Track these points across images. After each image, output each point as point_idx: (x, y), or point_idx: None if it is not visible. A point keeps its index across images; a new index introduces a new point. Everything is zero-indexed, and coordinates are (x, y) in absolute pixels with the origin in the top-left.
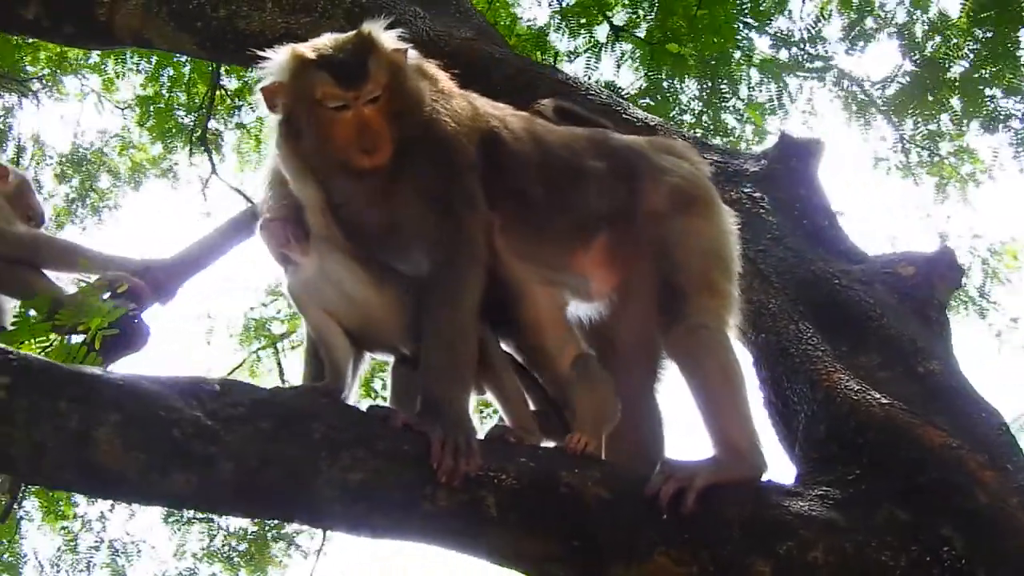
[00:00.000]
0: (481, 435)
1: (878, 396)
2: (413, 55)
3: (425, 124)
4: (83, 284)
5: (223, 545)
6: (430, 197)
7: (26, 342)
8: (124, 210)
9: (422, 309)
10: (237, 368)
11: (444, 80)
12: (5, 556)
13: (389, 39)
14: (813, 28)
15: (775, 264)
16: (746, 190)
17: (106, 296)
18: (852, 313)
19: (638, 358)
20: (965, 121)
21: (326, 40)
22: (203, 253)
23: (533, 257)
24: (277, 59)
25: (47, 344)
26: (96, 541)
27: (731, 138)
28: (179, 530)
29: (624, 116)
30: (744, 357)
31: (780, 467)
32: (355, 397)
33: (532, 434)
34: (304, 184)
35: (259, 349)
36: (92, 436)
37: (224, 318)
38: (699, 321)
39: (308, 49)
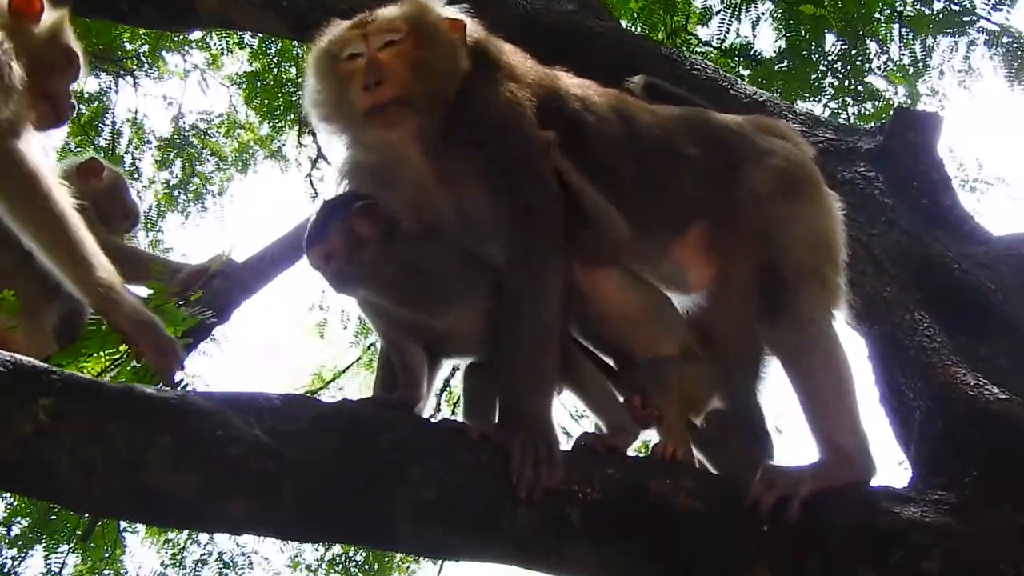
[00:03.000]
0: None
1: (996, 391)
2: (474, 29)
3: (471, 96)
4: (154, 291)
5: (340, 555)
6: (496, 183)
7: (96, 354)
8: (230, 196)
9: (500, 307)
10: (353, 364)
11: (514, 58)
12: (107, 572)
13: (438, 6)
14: None
15: (890, 248)
16: (860, 169)
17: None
18: (972, 299)
19: (738, 354)
20: None
21: None
22: (287, 250)
23: (623, 247)
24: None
25: (117, 356)
26: (204, 554)
27: (879, 102)
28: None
29: (731, 92)
30: (856, 350)
31: (895, 470)
32: (430, 407)
33: (626, 433)
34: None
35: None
36: (143, 460)
37: (338, 309)
38: (805, 315)
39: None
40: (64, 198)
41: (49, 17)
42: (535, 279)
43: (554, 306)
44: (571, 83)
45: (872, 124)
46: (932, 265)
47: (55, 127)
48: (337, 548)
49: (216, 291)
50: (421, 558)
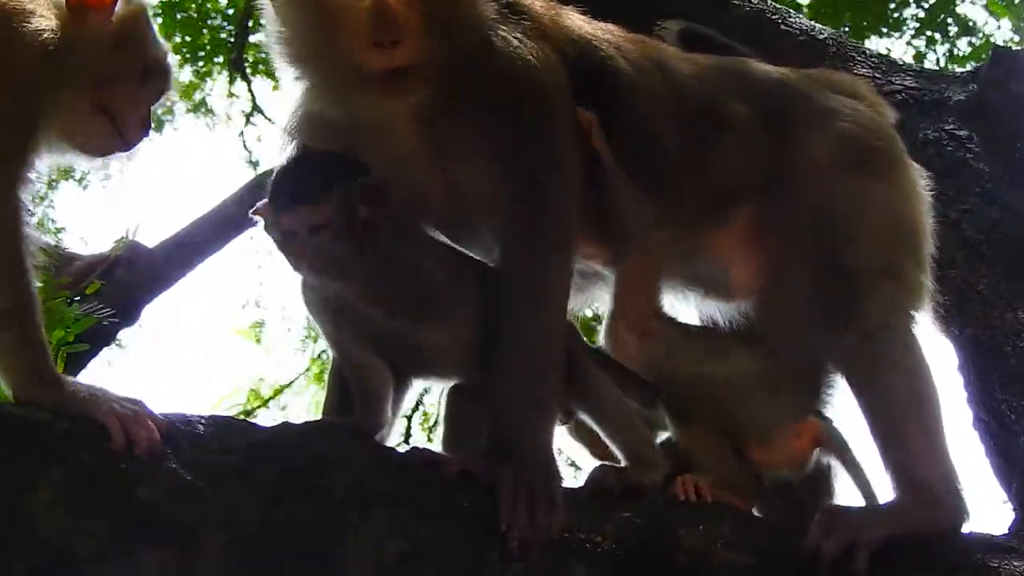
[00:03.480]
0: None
1: None
2: None
3: (490, 51)
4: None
5: None
6: (501, 157)
7: None
8: (140, 161)
9: (493, 314)
10: (300, 376)
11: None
12: None
13: None
14: None
15: (986, 229)
16: (948, 127)
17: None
18: None
19: (795, 373)
20: None
21: None
22: (213, 231)
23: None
24: None
25: None
26: None
27: (976, 38)
28: None
29: (782, 27)
30: (942, 360)
31: (994, 510)
32: (396, 437)
33: (652, 466)
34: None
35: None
36: (25, 505)
37: (280, 308)
38: (876, 319)
39: None
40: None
41: (122, 10)
42: (537, 280)
43: (558, 313)
44: (596, 26)
45: (965, 68)
46: None
47: (117, 151)
48: None
49: (120, 284)
50: None
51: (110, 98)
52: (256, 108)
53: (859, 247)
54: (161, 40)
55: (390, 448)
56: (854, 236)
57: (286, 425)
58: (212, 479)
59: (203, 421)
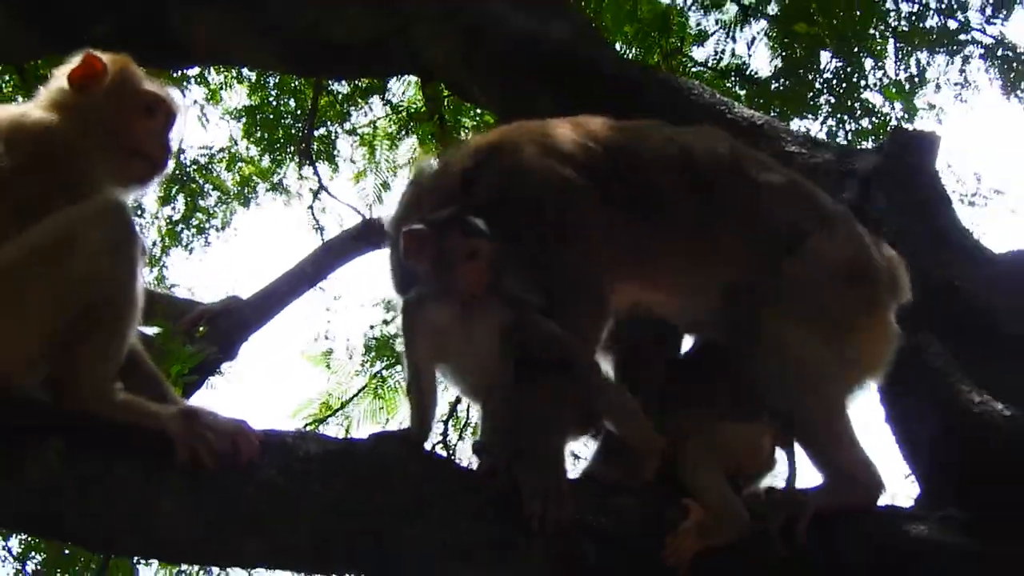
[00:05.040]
0: None
1: (1001, 408)
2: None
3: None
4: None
5: None
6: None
7: None
8: (233, 230)
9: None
10: (360, 391)
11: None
12: None
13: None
14: None
15: None
16: (859, 191)
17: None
18: (976, 320)
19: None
20: None
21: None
22: (292, 285)
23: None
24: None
25: None
26: None
27: (876, 118)
28: None
29: (729, 116)
30: None
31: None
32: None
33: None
34: None
35: (384, 368)
36: (155, 500)
37: (343, 338)
38: (771, 328)
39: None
40: None
41: (111, 67)
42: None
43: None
44: (580, 136)
45: (871, 142)
46: (935, 286)
47: (152, 175)
48: None
49: (222, 329)
50: None
51: (130, 138)
52: (321, 187)
53: (795, 299)
54: (153, 81)
55: (436, 454)
56: (798, 294)
57: (353, 440)
58: (299, 481)
59: (291, 435)
